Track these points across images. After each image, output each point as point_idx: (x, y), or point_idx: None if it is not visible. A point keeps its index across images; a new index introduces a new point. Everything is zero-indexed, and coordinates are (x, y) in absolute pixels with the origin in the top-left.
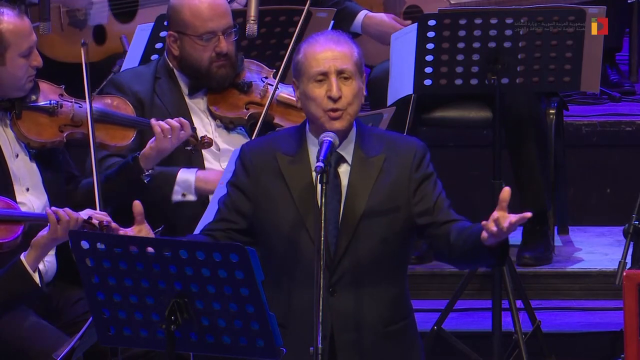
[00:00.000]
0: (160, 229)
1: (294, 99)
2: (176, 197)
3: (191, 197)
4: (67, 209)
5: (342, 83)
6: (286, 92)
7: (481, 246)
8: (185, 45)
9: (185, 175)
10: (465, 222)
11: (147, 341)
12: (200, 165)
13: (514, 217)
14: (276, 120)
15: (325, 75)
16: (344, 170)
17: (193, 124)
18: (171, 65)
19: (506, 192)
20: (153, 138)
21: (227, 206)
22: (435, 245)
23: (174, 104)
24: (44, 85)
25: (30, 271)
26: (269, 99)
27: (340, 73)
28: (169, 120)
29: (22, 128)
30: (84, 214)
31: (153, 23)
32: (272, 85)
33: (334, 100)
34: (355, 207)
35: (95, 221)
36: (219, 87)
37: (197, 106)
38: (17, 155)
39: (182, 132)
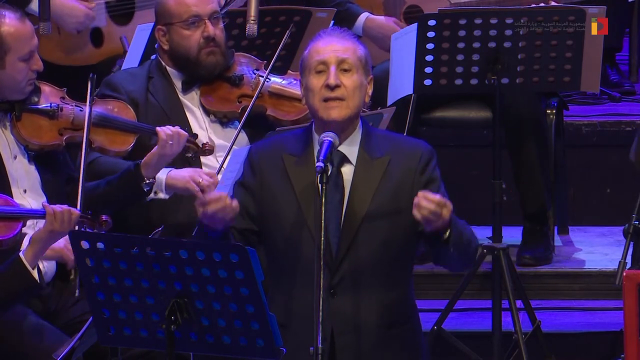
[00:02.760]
0: (160, 229)
1: (286, 89)
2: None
3: (161, 195)
4: (60, 205)
5: (342, 74)
6: (278, 83)
7: (432, 239)
8: (173, 35)
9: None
10: None
11: (147, 341)
12: (198, 163)
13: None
14: (269, 112)
15: (325, 64)
16: (347, 171)
17: (189, 123)
18: (163, 63)
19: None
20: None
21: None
22: (430, 251)
23: (168, 101)
24: (45, 88)
25: (30, 268)
26: (258, 90)
27: (340, 63)
28: (170, 127)
29: (22, 130)
30: (62, 240)
31: (153, 23)
32: (264, 77)
33: (331, 88)
34: (358, 208)
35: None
36: (210, 77)
37: (191, 102)
38: (15, 157)
39: (180, 139)
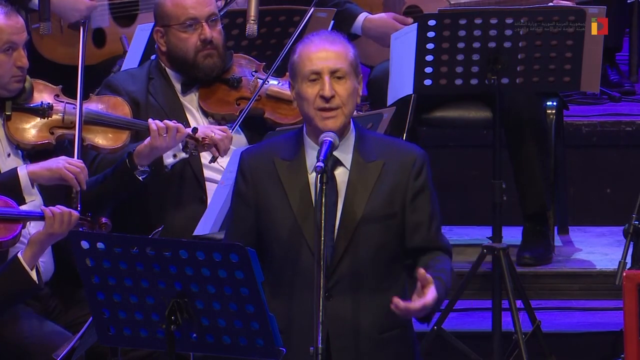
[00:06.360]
0: (159, 229)
1: (285, 92)
2: (168, 160)
3: (182, 155)
4: (60, 206)
5: (336, 82)
6: (276, 86)
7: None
8: (171, 37)
9: None
10: (439, 259)
11: (147, 341)
12: (197, 162)
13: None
14: (266, 115)
15: (318, 74)
16: (341, 174)
17: (188, 123)
18: (163, 64)
19: (421, 273)
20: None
21: (235, 222)
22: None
23: (168, 102)
24: (39, 86)
25: (28, 268)
26: (255, 92)
27: (333, 72)
28: (167, 121)
29: (12, 129)
30: (61, 159)
31: (153, 23)
32: (262, 79)
33: (327, 99)
34: (354, 212)
35: (72, 169)
36: (208, 79)
37: (191, 104)
38: (9, 155)
39: (177, 134)
